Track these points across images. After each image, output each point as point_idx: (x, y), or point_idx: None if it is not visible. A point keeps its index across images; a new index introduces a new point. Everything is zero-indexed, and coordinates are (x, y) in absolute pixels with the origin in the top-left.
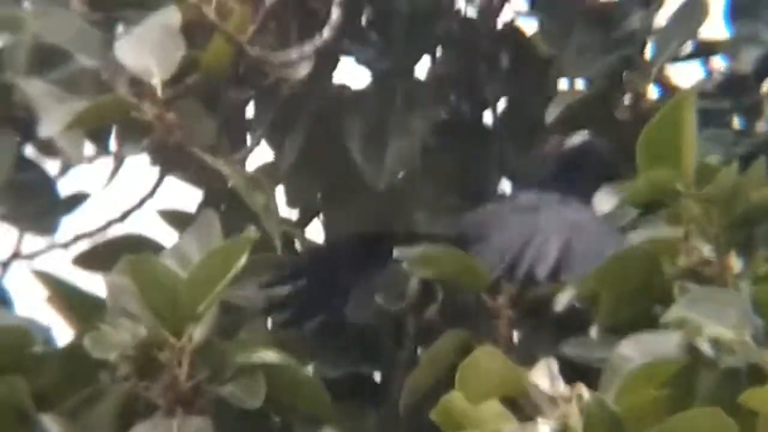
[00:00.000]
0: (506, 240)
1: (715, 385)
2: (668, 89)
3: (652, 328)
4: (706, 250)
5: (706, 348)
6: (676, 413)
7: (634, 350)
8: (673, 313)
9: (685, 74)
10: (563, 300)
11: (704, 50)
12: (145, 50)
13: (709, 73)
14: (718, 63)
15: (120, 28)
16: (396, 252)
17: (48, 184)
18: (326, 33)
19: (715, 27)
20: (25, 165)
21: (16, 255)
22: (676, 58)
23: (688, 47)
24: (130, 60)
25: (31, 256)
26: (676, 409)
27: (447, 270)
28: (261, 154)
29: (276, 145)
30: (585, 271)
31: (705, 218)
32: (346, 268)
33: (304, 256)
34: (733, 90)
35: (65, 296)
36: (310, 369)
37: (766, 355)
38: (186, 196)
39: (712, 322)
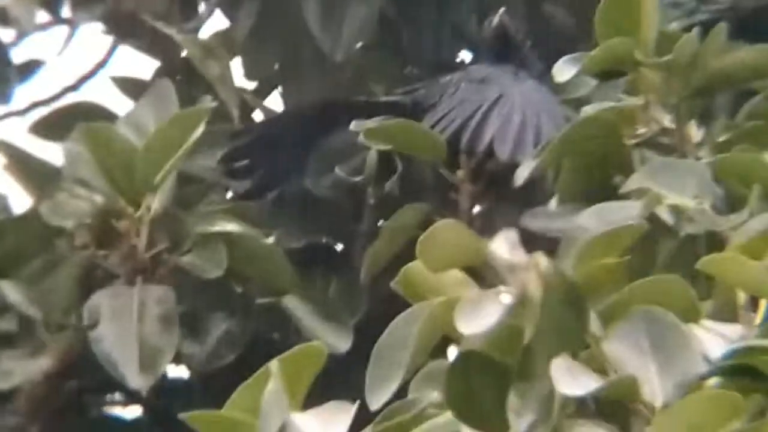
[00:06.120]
0: (456, 107)
1: (674, 253)
2: None
3: (612, 198)
4: (666, 120)
5: (666, 216)
6: (636, 280)
7: (594, 220)
8: (633, 182)
9: None
10: (523, 174)
11: None
12: None
13: None
14: None
15: None
16: (352, 124)
17: (1, 51)
18: None
19: None
20: None
21: None
22: None
23: None
24: None
25: None
26: (636, 276)
27: (402, 141)
28: (216, 24)
29: (231, 14)
30: (541, 144)
31: (664, 87)
32: (303, 139)
33: (261, 127)
34: None
35: (22, 164)
36: (271, 239)
37: (724, 223)
38: (142, 67)
39: (672, 191)
